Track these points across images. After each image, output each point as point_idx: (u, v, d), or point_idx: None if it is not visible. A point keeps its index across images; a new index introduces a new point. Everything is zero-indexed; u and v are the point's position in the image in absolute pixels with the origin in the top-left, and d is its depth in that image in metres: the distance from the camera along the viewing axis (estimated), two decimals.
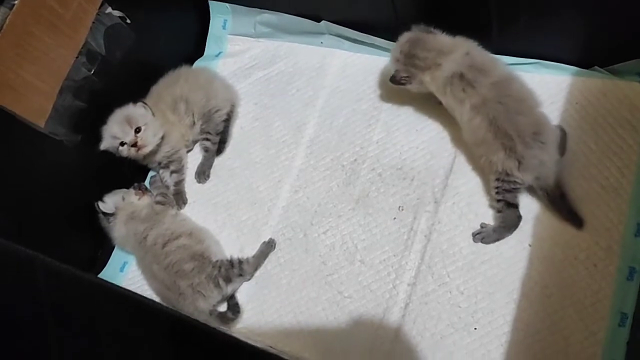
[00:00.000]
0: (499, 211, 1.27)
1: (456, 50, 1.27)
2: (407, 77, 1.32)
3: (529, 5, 1.28)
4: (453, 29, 1.32)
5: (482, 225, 1.29)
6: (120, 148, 1.40)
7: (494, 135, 1.20)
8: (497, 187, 1.25)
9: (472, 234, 1.29)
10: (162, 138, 1.45)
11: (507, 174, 1.21)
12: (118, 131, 1.39)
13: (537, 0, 1.27)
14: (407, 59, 1.30)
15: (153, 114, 1.44)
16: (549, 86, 1.36)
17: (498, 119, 1.20)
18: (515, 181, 1.22)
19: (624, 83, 1.32)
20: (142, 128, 1.40)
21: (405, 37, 1.32)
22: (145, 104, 1.44)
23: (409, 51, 1.30)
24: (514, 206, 1.25)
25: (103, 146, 1.40)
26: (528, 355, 1.17)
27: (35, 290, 0.84)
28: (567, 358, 1.15)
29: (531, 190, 1.26)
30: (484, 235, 1.28)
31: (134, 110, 1.42)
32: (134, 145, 1.39)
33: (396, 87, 1.35)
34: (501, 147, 1.20)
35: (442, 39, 1.31)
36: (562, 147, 1.26)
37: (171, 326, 0.82)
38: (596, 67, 1.34)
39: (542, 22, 1.31)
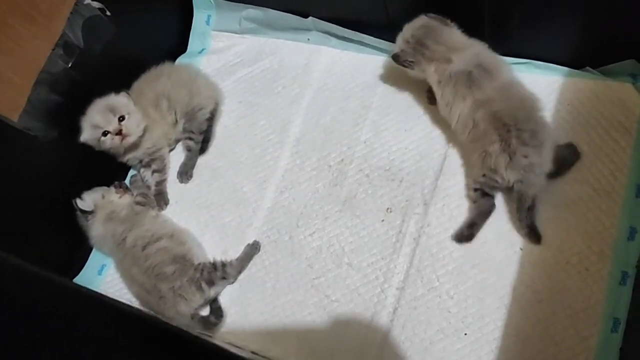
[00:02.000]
0: (474, 201, 1.26)
1: (468, 49, 1.27)
2: (412, 62, 1.29)
3: (522, 6, 1.26)
4: None
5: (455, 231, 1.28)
6: (103, 139, 1.34)
7: (494, 127, 1.19)
8: (479, 182, 1.23)
9: (451, 236, 1.27)
10: (144, 132, 1.40)
11: (495, 171, 1.20)
12: (101, 120, 1.34)
13: (530, 1, 1.25)
14: (417, 46, 1.28)
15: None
16: (541, 87, 1.33)
17: (499, 112, 1.19)
18: (498, 180, 1.20)
19: (616, 84, 1.30)
20: (126, 117, 1.35)
21: (420, 21, 1.30)
22: (128, 93, 1.40)
23: (421, 39, 1.28)
24: (490, 195, 1.24)
25: (83, 138, 1.34)
26: None
27: (5, 295, 0.79)
28: None
29: (508, 190, 1.24)
30: (459, 237, 1.26)
31: (117, 99, 1.37)
32: (118, 133, 1.34)
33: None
34: (498, 138, 1.18)
35: (456, 34, 1.29)
36: (565, 164, 1.25)
37: (149, 332, 0.78)
38: (588, 67, 1.32)
39: (535, 22, 1.29)
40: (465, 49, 1.26)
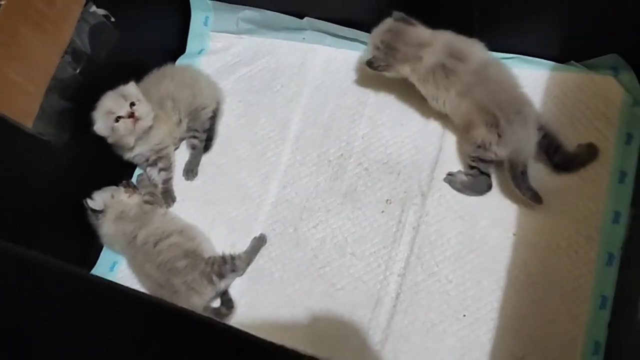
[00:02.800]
0: (471, 176, 1.34)
1: (435, 42, 1.33)
2: (385, 65, 1.36)
3: (509, 3, 1.33)
4: (435, 25, 1.36)
5: (450, 173, 1.37)
6: (116, 125, 1.39)
7: (479, 115, 1.28)
8: (473, 157, 1.31)
9: (446, 175, 1.38)
10: (151, 128, 1.45)
11: (485, 148, 1.28)
12: (113, 106, 1.39)
13: None
14: (388, 50, 1.34)
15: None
16: (528, 80, 1.39)
17: (482, 100, 1.27)
18: (491, 154, 1.29)
19: (599, 77, 1.37)
20: (137, 103, 1.41)
21: (386, 25, 1.36)
22: (135, 83, 1.45)
23: (389, 43, 1.34)
24: (486, 174, 1.32)
25: (96, 127, 1.39)
26: (515, 339, 1.23)
27: (44, 293, 0.84)
28: (552, 340, 1.21)
29: (499, 165, 1.32)
30: (451, 179, 1.36)
31: (126, 88, 1.43)
32: (131, 116, 1.39)
33: (372, 72, 1.39)
34: (483, 122, 1.27)
35: (421, 31, 1.36)
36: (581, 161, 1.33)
37: (183, 322, 0.83)
38: (572, 61, 1.40)
39: (522, 19, 1.36)
40: (432, 43, 1.33)
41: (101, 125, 1.40)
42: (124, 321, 0.83)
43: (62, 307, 0.84)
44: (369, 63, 1.38)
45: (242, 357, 0.80)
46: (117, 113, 1.39)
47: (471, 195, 1.34)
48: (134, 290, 0.90)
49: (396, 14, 1.36)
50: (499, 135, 1.26)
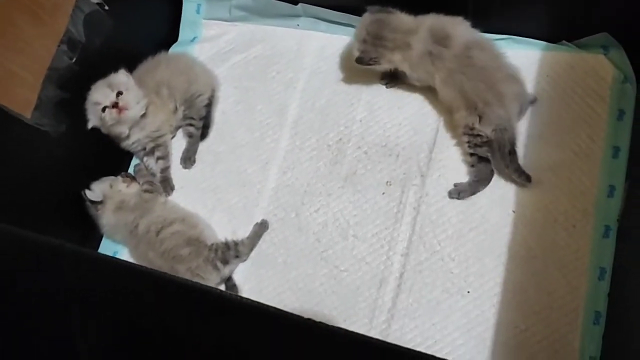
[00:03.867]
0: (472, 165, 1.36)
1: (420, 28, 1.35)
2: (376, 57, 1.37)
3: None
4: (430, 7, 1.38)
5: (456, 185, 1.38)
6: (102, 115, 1.38)
7: (461, 101, 1.33)
8: (467, 142, 1.35)
9: (448, 192, 1.37)
10: (146, 115, 1.45)
11: (471, 129, 1.32)
12: (99, 96, 1.38)
13: None
14: (376, 40, 1.36)
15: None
16: (521, 61, 1.43)
17: (462, 87, 1.31)
18: (479, 134, 1.32)
19: (590, 56, 1.41)
20: (124, 92, 1.40)
21: (368, 18, 1.38)
22: (127, 71, 1.44)
23: (377, 33, 1.35)
24: (486, 160, 1.35)
25: (91, 122, 1.39)
26: (518, 312, 1.26)
27: (61, 277, 0.84)
28: (553, 312, 1.25)
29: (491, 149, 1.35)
30: (459, 190, 1.36)
31: (115, 77, 1.42)
32: (115, 106, 1.37)
33: (363, 67, 1.40)
34: (464, 106, 1.32)
35: (404, 17, 1.38)
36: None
37: (200, 297, 0.84)
38: (564, 41, 1.43)
39: (514, 0, 1.38)
40: (418, 30, 1.35)
41: (92, 116, 1.39)
42: (143, 300, 0.84)
43: (78, 290, 0.84)
44: (359, 59, 1.38)
45: (265, 328, 0.81)
46: (103, 103, 1.38)
47: (480, 189, 1.35)
48: (152, 270, 0.91)
49: (372, 7, 1.38)
50: (480, 117, 1.30)
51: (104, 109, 1.38)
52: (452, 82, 1.32)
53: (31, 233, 0.84)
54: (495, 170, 1.36)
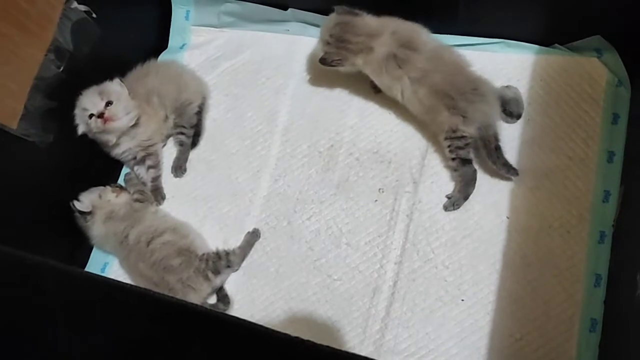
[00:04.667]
0: (455, 170, 1.35)
1: (384, 32, 1.34)
2: (339, 60, 1.36)
3: None
4: (421, 12, 1.36)
5: (448, 197, 1.36)
6: (89, 121, 1.36)
7: (438, 99, 1.30)
8: (449, 146, 1.33)
9: (443, 206, 1.35)
10: (138, 124, 1.43)
11: (454, 131, 1.30)
12: (88, 103, 1.37)
13: None
14: (339, 43, 1.35)
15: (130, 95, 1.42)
16: (514, 64, 1.42)
17: (438, 85, 1.29)
18: (463, 136, 1.30)
19: (584, 59, 1.39)
20: (114, 102, 1.38)
21: (333, 20, 1.37)
22: (122, 81, 1.42)
23: (340, 35, 1.35)
24: (468, 162, 1.33)
25: (80, 128, 1.38)
26: (513, 321, 1.24)
27: (44, 294, 0.83)
28: (549, 320, 1.23)
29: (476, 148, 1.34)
30: (453, 202, 1.34)
31: (108, 85, 1.41)
32: (100, 116, 1.36)
33: (327, 68, 1.38)
34: (444, 107, 1.29)
35: (369, 20, 1.37)
36: (518, 106, 1.38)
37: (187, 316, 0.82)
38: (557, 44, 1.42)
39: (507, 3, 1.36)
40: (381, 33, 1.34)
41: (80, 121, 1.38)
42: (129, 318, 0.82)
43: (61, 307, 0.82)
44: (322, 60, 1.37)
45: (253, 348, 0.79)
46: (90, 110, 1.37)
47: (470, 190, 1.33)
48: (136, 286, 0.89)
49: (339, 7, 1.37)
50: (463, 116, 1.29)
51: (90, 116, 1.36)
52: (426, 81, 1.30)
53: (11, 249, 0.82)
54: (480, 170, 1.35)
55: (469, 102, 1.29)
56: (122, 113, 1.39)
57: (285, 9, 1.56)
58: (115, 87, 1.41)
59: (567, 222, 1.29)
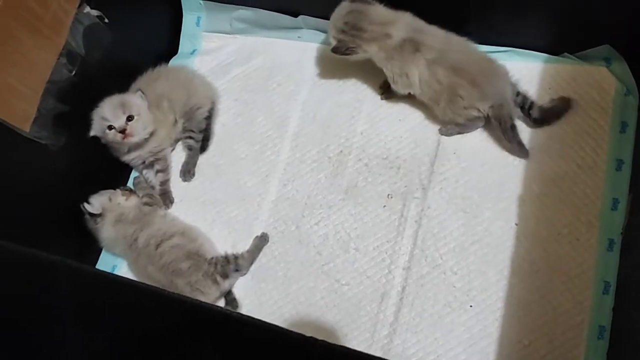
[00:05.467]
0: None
1: (399, 20, 1.36)
2: (354, 47, 1.36)
3: None
4: (431, 21, 1.37)
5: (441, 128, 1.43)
6: (107, 131, 1.38)
7: (459, 77, 1.32)
8: (462, 125, 1.40)
9: (439, 130, 1.43)
10: (151, 136, 1.45)
11: (470, 107, 1.34)
12: (109, 114, 1.38)
13: None
14: (354, 31, 1.35)
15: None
16: (523, 73, 1.43)
17: (456, 62, 1.32)
18: (474, 114, 1.35)
19: (593, 68, 1.40)
20: (135, 118, 1.39)
21: (345, 7, 1.37)
22: (144, 94, 1.43)
23: (355, 23, 1.35)
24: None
25: (93, 131, 1.39)
26: (521, 327, 1.24)
27: (58, 293, 0.83)
28: (557, 327, 1.23)
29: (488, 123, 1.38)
30: (446, 131, 1.42)
31: (131, 98, 1.42)
32: (122, 132, 1.38)
33: (339, 57, 1.39)
34: (466, 82, 1.32)
35: (383, 10, 1.37)
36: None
37: (199, 315, 0.83)
38: (566, 53, 1.42)
39: (516, 12, 1.37)
40: (397, 21, 1.35)
41: (96, 126, 1.40)
42: (141, 316, 0.83)
43: (74, 306, 0.83)
44: (335, 49, 1.37)
45: (266, 348, 0.80)
46: (110, 122, 1.38)
47: (467, 131, 1.40)
48: (151, 285, 0.90)
49: None
50: (480, 92, 1.31)
51: (110, 127, 1.38)
52: (446, 61, 1.32)
53: (28, 249, 0.83)
54: (489, 177, 1.38)
55: (485, 77, 1.32)
56: (141, 129, 1.42)
57: (296, 15, 1.57)
58: (137, 100, 1.43)
59: (576, 229, 1.29)
